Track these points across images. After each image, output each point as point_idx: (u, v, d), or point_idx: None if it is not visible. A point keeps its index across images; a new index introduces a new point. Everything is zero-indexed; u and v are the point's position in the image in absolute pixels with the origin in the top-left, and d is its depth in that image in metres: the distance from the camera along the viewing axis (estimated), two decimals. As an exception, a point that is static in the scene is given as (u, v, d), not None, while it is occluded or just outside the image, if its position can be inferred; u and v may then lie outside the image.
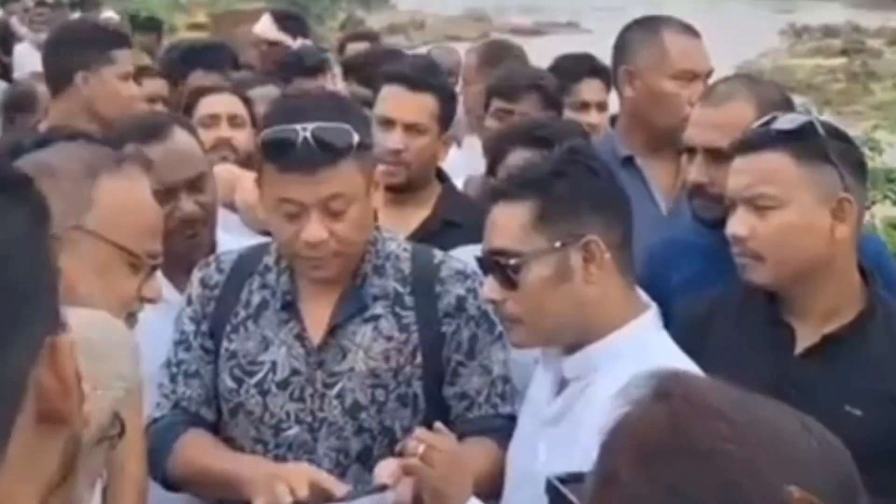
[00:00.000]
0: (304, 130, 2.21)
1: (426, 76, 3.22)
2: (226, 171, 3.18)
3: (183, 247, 2.66)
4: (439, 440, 2.11)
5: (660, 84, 3.10)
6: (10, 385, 0.90)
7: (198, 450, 2.35)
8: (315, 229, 2.24)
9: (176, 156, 2.70)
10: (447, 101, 3.21)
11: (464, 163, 3.98)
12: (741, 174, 2.30)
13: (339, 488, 2.11)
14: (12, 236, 0.93)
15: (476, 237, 2.76)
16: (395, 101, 3.15)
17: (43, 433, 0.93)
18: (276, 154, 2.25)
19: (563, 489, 1.22)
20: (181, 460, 2.34)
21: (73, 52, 3.62)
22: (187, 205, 2.71)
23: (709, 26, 3.34)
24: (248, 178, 2.96)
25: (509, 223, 2.15)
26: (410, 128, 3.12)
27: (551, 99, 3.59)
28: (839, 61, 20.11)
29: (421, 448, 2.06)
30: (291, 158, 2.22)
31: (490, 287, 2.18)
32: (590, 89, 4.11)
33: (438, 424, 2.17)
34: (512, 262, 2.12)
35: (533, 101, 3.55)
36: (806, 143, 2.25)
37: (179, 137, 2.75)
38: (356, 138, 2.24)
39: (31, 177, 0.98)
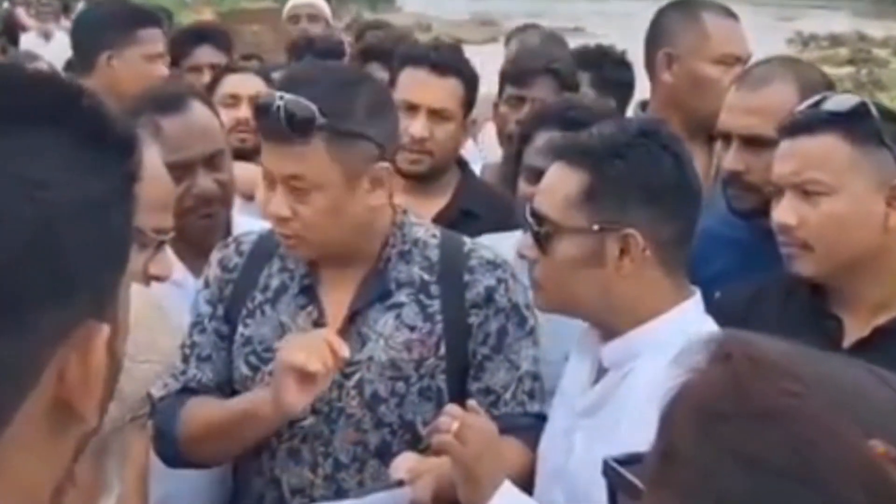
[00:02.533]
0: (281, 99, 2.12)
1: (451, 59, 3.11)
2: (244, 170, 3.08)
3: (198, 227, 2.57)
4: (474, 418, 2.01)
5: (701, 68, 3.01)
6: (15, 368, 0.80)
7: (206, 404, 2.25)
8: (275, 202, 2.16)
9: (193, 130, 2.59)
10: (471, 86, 3.10)
11: (478, 151, 3.87)
12: (789, 158, 2.18)
13: (343, 348, 2.05)
14: (88, 198, 0.83)
15: (494, 227, 2.65)
16: (419, 85, 3.03)
17: (56, 422, 0.84)
18: (257, 119, 2.22)
19: (623, 471, 1.12)
20: (191, 420, 2.24)
21: (97, 31, 3.55)
22: (205, 182, 2.61)
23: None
24: None
25: (558, 189, 2.06)
26: (435, 114, 3.01)
27: (566, 83, 3.44)
28: (846, 70, 20.03)
29: (455, 425, 1.96)
30: (265, 125, 2.16)
31: (527, 242, 2.11)
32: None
33: (472, 403, 2.08)
34: (545, 230, 2.04)
35: (546, 85, 3.41)
36: (859, 125, 2.12)
37: (197, 111, 2.63)
38: (321, 120, 2.11)
39: (129, 131, 0.88)
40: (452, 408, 2.04)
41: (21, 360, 0.80)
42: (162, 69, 3.60)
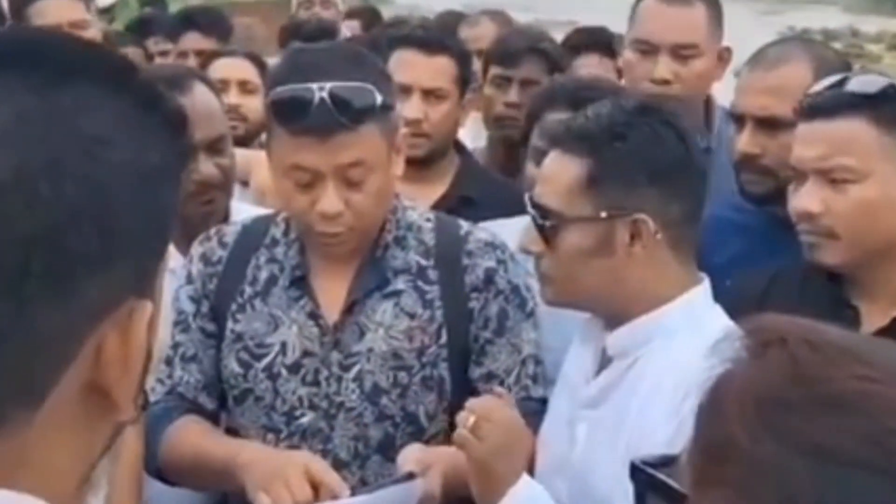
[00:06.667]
0: (321, 90, 1.98)
1: (440, 37, 3.03)
2: (238, 156, 2.99)
3: (197, 213, 2.46)
4: (494, 409, 1.88)
5: (625, 53, 2.96)
6: (55, 339, 0.75)
7: (190, 435, 2.15)
8: (331, 200, 2.03)
9: (196, 113, 2.47)
10: (464, 62, 3.00)
11: (468, 135, 3.79)
12: (813, 143, 2.07)
13: (342, 488, 1.92)
14: (144, 164, 0.78)
15: (494, 214, 2.56)
16: (410, 65, 2.92)
17: (90, 409, 0.79)
18: (288, 116, 2.03)
19: (657, 473, 1.02)
20: (173, 447, 2.14)
21: None
22: (206, 167, 2.50)
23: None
24: (263, 160, 2.77)
25: (559, 178, 1.96)
26: (429, 94, 2.91)
27: (553, 63, 3.34)
28: (839, 65, 20.01)
29: (471, 420, 1.85)
30: (306, 121, 2.00)
31: (531, 238, 2.00)
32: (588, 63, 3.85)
33: (499, 389, 1.98)
34: (550, 223, 1.95)
35: (532, 66, 3.31)
36: (887, 107, 2.03)
37: (200, 94, 2.53)
38: (379, 99, 2.02)
39: (181, 110, 0.84)
40: (474, 401, 1.91)
41: (62, 330, 0.75)
42: None
